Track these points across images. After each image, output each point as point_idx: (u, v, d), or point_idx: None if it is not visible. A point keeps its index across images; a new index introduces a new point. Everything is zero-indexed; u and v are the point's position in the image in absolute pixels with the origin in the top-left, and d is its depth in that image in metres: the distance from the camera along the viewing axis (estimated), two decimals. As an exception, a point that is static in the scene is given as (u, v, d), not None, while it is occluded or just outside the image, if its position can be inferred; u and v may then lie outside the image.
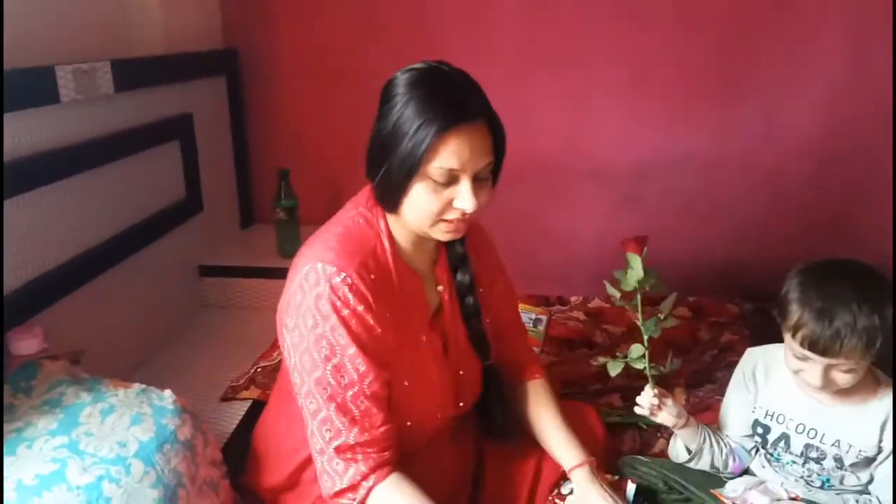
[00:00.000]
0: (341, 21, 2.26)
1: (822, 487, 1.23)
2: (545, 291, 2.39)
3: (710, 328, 2.10)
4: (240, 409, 1.56)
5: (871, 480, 1.21)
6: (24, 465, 0.97)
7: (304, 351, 1.04)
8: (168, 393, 1.16)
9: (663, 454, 1.44)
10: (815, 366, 1.12)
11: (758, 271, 2.32)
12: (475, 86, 1.04)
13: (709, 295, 2.30)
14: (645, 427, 1.57)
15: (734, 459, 1.31)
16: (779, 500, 1.22)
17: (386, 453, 1.05)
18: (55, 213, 1.41)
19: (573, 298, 2.35)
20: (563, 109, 2.32)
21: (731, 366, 1.84)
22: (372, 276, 1.05)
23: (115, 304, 1.62)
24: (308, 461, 1.14)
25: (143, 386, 1.17)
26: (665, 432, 1.52)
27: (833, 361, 1.09)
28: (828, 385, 1.13)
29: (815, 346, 1.09)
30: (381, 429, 1.04)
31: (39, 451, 0.99)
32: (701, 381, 1.80)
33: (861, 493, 1.22)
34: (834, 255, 1.19)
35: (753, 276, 2.32)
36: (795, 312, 1.12)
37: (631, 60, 2.24)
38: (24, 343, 1.18)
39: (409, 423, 1.12)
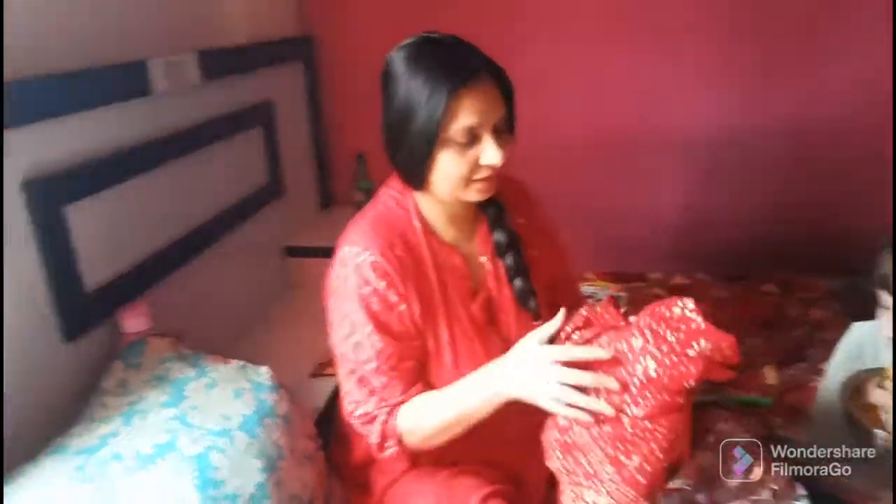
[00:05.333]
0: (416, 4, 2.26)
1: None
2: (622, 268, 2.35)
3: (800, 304, 2.03)
4: (329, 385, 1.61)
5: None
6: (139, 434, 1.04)
7: (333, 330, 1.11)
8: (265, 369, 1.22)
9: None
10: (888, 314, 1.11)
11: (851, 244, 2.21)
12: (470, 45, 1.06)
13: (797, 270, 2.21)
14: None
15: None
16: None
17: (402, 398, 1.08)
18: (151, 201, 1.47)
19: (653, 275, 2.31)
20: (638, 80, 2.26)
21: (823, 343, 1.79)
22: (399, 254, 1.09)
23: (208, 285, 1.69)
24: None
25: (242, 362, 1.23)
26: None
27: None
28: None
29: (886, 282, 1.09)
30: (402, 397, 1.08)
31: (153, 422, 1.06)
32: (791, 359, 1.75)
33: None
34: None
35: (844, 249, 2.21)
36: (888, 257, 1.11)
37: (710, 26, 2.16)
38: (134, 321, 1.26)
39: None
